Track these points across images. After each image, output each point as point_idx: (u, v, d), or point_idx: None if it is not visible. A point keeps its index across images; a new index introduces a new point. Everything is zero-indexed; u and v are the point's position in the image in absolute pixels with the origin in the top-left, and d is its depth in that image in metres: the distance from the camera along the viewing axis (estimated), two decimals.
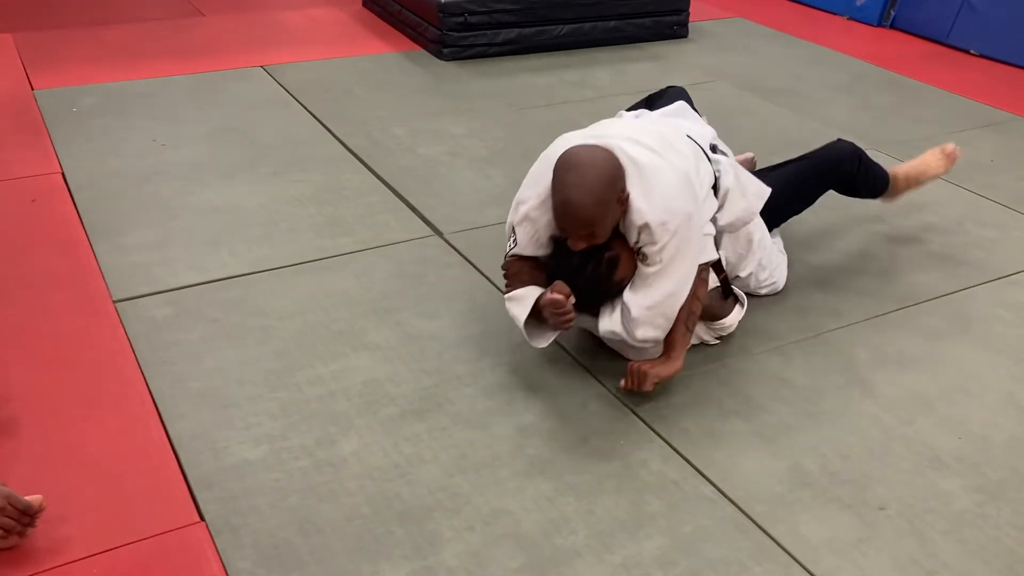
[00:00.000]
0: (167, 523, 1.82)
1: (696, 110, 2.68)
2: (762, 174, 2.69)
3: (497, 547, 1.81)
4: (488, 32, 4.60)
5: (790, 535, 1.87)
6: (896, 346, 2.50)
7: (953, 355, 2.48)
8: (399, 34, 4.95)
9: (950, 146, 2.93)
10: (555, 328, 2.17)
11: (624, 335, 2.18)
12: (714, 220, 2.28)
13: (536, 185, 2.18)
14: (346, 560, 1.77)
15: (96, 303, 2.51)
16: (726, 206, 2.31)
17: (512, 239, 2.24)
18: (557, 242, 2.20)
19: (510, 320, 2.22)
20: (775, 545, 1.85)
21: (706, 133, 2.47)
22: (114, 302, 2.51)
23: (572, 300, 2.08)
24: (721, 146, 2.50)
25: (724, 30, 5.33)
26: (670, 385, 2.28)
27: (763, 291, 2.63)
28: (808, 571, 1.80)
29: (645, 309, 2.12)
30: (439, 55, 4.59)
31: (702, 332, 2.42)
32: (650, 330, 2.15)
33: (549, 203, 2.13)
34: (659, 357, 2.22)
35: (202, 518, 1.85)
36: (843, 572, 1.80)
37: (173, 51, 4.50)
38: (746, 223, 2.40)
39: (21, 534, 1.73)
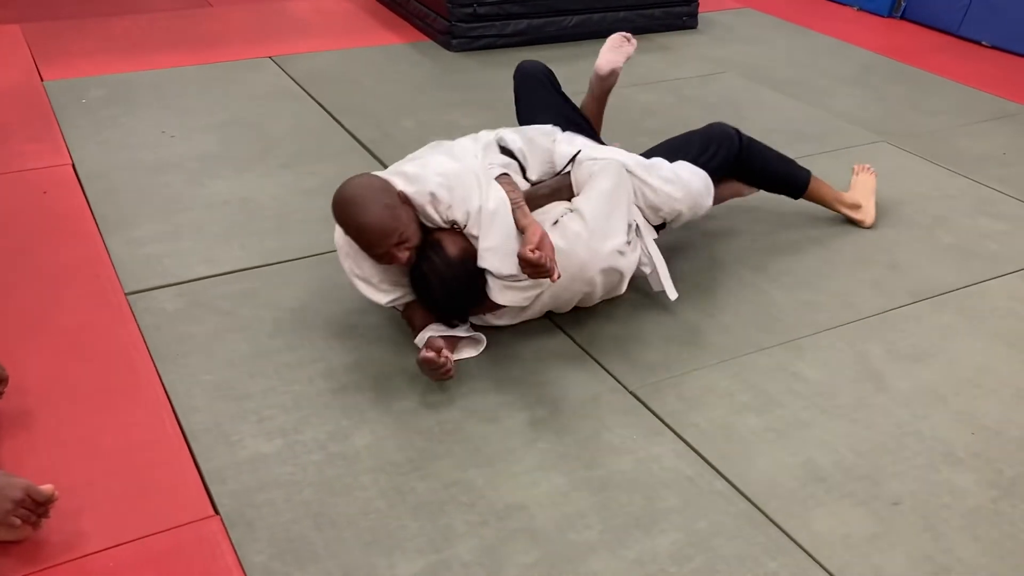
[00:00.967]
0: (182, 516, 1.83)
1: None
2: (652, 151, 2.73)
3: (511, 542, 1.82)
4: (497, 23, 4.59)
5: (804, 530, 1.87)
6: (909, 340, 2.49)
7: (967, 349, 2.47)
8: (408, 25, 4.93)
9: (867, 211, 3.02)
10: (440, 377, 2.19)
11: (511, 284, 2.20)
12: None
13: (341, 251, 2.31)
14: (360, 554, 1.77)
15: (108, 295, 2.51)
16: (532, 151, 2.49)
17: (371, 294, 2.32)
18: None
19: None
20: (789, 540, 1.85)
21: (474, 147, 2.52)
22: (126, 294, 2.52)
23: (446, 354, 2.13)
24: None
25: (733, 21, 5.30)
26: (683, 380, 2.28)
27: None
28: (822, 566, 1.79)
29: (491, 255, 2.17)
30: (448, 46, 4.58)
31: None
32: (509, 260, 2.17)
33: (360, 255, 2.24)
34: (523, 238, 2.19)
35: (217, 511, 1.85)
36: (857, 568, 1.80)
37: (182, 42, 4.50)
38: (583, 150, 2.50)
39: (35, 525, 1.74)
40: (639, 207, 2.47)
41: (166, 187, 3.11)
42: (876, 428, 2.17)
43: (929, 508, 1.95)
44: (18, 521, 1.69)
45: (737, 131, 2.76)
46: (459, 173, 2.25)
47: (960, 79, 4.48)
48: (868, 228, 3.01)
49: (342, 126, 3.65)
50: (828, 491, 1.98)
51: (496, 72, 4.30)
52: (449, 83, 4.16)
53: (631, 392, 2.24)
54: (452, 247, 2.20)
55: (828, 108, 4.05)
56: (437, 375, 2.14)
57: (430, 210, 2.19)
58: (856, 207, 3.02)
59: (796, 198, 2.95)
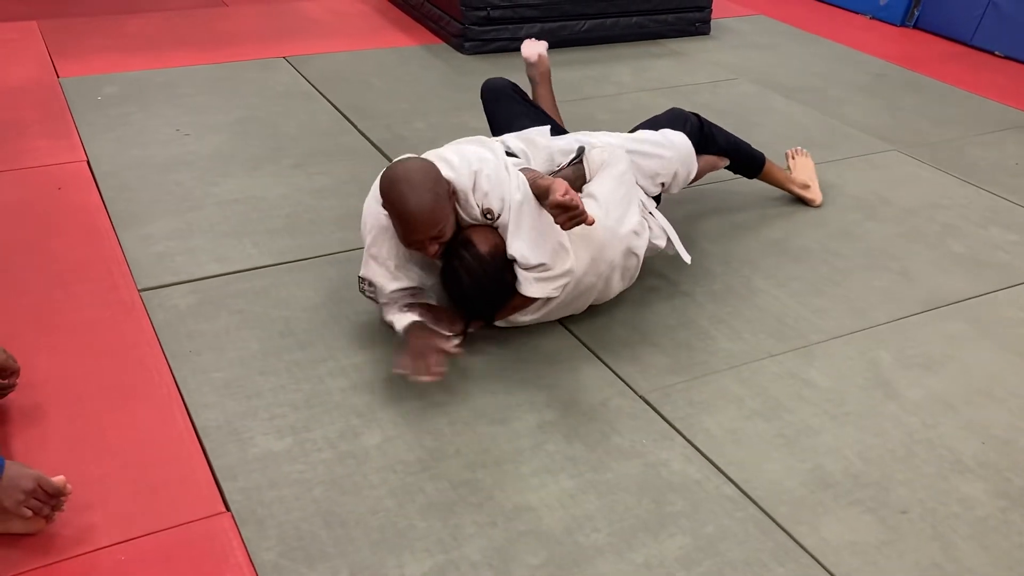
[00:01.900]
0: (193, 513, 1.84)
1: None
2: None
3: (519, 543, 1.82)
4: (510, 26, 4.59)
5: (812, 536, 1.87)
6: (919, 349, 2.49)
7: (977, 358, 2.47)
8: (420, 27, 4.95)
9: (815, 191, 3.21)
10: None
11: (540, 275, 2.22)
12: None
13: (367, 226, 2.33)
14: (370, 553, 1.78)
15: (121, 292, 2.52)
16: (535, 148, 2.54)
17: (368, 289, 2.33)
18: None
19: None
20: (797, 546, 1.85)
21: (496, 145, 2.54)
22: (139, 291, 2.53)
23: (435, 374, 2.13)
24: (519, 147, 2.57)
25: (746, 28, 5.31)
26: (693, 385, 2.28)
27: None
28: (830, 573, 1.80)
29: (521, 244, 2.20)
30: (460, 49, 4.59)
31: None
32: (541, 250, 2.21)
33: (385, 234, 2.26)
34: (547, 199, 2.13)
35: (227, 508, 1.86)
36: (865, 575, 1.80)
37: (196, 41, 4.52)
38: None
39: (48, 518, 1.75)
40: (639, 184, 2.55)
41: (179, 185, 3.12)
42: (885, 436, 2.17)
43: (938, 517, 1.95)
44: (29, 512, 1.70)
45: (696, 114, 2.91)
46: (495, 164, 2.29)
47: (972, 89, 4.47)
48: (818, 207, 3.20)
49: (354, 126, 3.66)
50: (836, 498, 1.98)
51: (508, 76, 4.28)
52: (461, 86, 4.17)
53: (641, 396, 2.25)
54: (483, 244, 2.22)
55: (840, 116, 4.05)
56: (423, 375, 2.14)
57: (471, 197, 2.22)
58: (805, 187, 3.22)
59: (752, 177, 3.13)
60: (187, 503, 1.86)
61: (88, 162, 3.22)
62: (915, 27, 5.46)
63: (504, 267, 2.23)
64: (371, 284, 2.32)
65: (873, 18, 5.62)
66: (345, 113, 3.77)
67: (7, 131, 3.40)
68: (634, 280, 2.53)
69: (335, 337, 2.40)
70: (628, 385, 2.28)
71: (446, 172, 2.24)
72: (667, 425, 2.16)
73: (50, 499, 1.73)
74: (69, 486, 1.76)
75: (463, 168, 2.25)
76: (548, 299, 2.31)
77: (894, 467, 2.07)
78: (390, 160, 3.38)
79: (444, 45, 4.69)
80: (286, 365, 2.28)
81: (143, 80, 3.97)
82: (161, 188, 3.09)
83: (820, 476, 2.03)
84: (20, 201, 2.95)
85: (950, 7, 5.26)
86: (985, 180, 3.46)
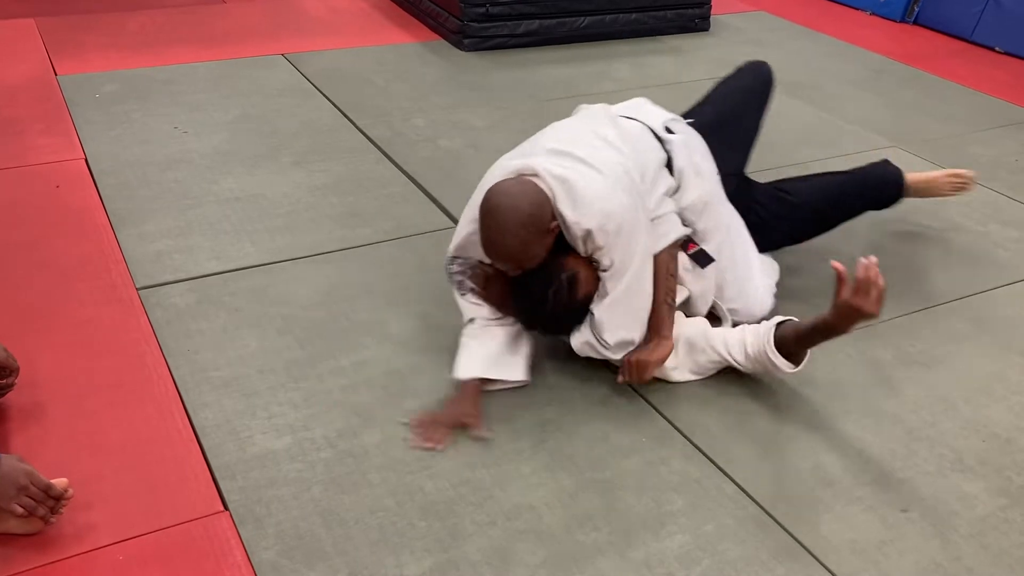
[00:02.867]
0: (192, 512, 1.84)
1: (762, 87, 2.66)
2: (793, 183, 2.68)
3: (519, 542, 1.82)
4: (509, 23, 4.59)
5: (812, 535, 1.87)
6: (920, 347, 2.48)
7: (977, 357, 2.46)
8: (420, 24, 4.94)
9: (966, 174, 2.87)
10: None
11: (596, 344, 2.15)
12: (676, 199, 2.28)
13: (466, 220, 2.20)
14: (369, 552, 1.78)
15: (119, 290, 2.52)
16: (684, 186, 2.28)
17: (456, 268, 2.26)
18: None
19: None
20: (797, 545, 1.85)
21: (657, 114, 2.41)
22: (137, 289, 2.52)
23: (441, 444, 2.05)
24: (679, 126, 2.40)
25: (746, 24, 5.30)
26: (692, 383, 2.27)
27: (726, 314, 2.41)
28: (830, 571, 1.79)
29: (607, 309, 2.11)
30: (460, 46, 4.58)
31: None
32: (620, 331, 2.13)
33: (475, 231, 2.13)
34: (649, 344, 2.18)
35: (226, 507, 1.86)
36: (865, 573, 1.79)
37: (195, 38, 4.51)
38: (705, 203, 2.32)
39: (45, 519, 1.74)
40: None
41: (178, 183, 3.12)
42: (886, 434, 2.16)
43: (938, 515, 1.94)
44: (20, 509, 1.68)
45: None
46: (632, 218, 2.07)
47: (973, 85, 4.47)
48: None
49: (354, 124, 3.65)
50: (837, 496, 1.97)
51: (507, 72, 4.31)
52: (461, 82, 4.17)
53: (640, 394, 2.24)
54: (585, 286, 2.11)
55: (840, 112, 4.04)
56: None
57: (579, 244, 2.07)
58: (954, 175, 2.88)
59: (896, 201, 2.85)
60: (186, 502, 1.86)
61: (87, 160, 3.21)
62: (915, 23, 5.46)
63: (586, 312, 2.15)
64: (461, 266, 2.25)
65: (873, 14, 5.61)
66: (344, 110, 3.77)
67: (5, 129, 3.39)
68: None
69: (334, 336, 2.39)
70: (628, 383, 2.27)
71: (565, 210, 2.02)
72: (667, 423, 2.16)
73: (47, 498, 1.71)
74: (71, 490, 1.75)
75: (581, 212, 2.01)
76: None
77: (894, 465, 2.07)
78: (390, 157, 3.38)
79: (443, 42, 4.69)
80: (284, 364, 2.28)
81: (142, 78, 3.96)
82: (160, 186, 3.09)
83: (820, 474, 2.03)
84: (18, 199, 2.94)
85: (950, 3, 5.25)
86: (985, 177, 3.45)
